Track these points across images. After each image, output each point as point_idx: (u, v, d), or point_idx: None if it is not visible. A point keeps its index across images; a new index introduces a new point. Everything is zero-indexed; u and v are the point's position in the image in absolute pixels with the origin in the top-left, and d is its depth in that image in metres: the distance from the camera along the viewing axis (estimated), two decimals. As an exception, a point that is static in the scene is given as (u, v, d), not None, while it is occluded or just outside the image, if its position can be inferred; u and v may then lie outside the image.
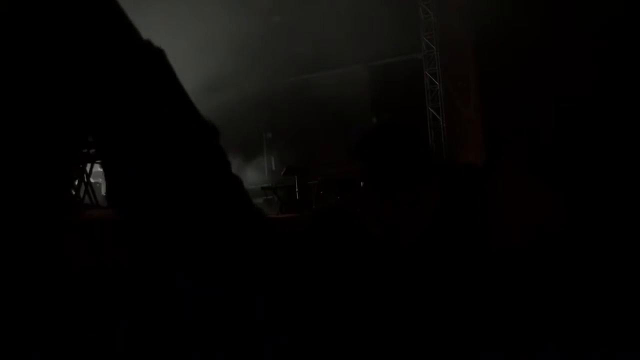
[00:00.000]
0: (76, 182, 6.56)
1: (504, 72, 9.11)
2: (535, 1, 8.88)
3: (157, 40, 0.90)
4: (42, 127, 0.86)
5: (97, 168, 7.98)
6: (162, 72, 0.90)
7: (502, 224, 1.58)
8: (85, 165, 6.61)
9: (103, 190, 8.57)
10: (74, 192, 6.58)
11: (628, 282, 1.46)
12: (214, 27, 10.12)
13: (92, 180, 7.19)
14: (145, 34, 0.88)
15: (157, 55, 0.90)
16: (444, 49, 11.14)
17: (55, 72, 0.85)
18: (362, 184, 1.82)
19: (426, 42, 11.37)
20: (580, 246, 1.53)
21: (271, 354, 1.04)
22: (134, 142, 0.88)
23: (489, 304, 1.47)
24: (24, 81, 0.84)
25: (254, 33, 10.72)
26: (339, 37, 10.74)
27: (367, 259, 1.48)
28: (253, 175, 12.67)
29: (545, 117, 8.21)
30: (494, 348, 1.40)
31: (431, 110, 11.34)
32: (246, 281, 0.99)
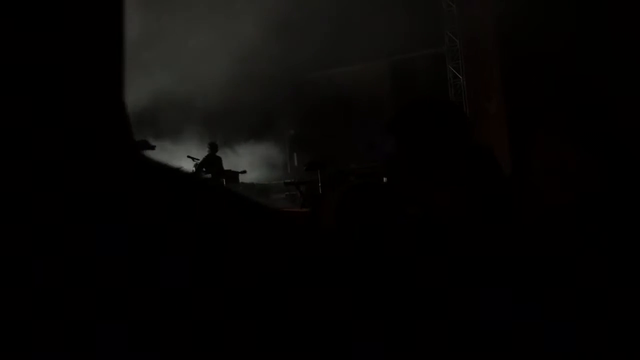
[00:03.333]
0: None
1: (529, 66, 8.98)
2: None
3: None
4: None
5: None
6: None
7: (540, 197, 1.54)
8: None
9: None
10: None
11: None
12: (236, 22, 10.16)
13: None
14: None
15: None
16: (467, 42, 11.01)
17: None
18: (394, 166, 1.77)
19: (449, 35, 11.25)
20: (620, 214, 1.49)
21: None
22: None
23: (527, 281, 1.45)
24: None
25: (275, 28, 10.73)
26: (361, 31, 10.70)
27: (403, 237, 1.45)
28: (276, 172, 12.72)
29: (572, 108, 8.07)
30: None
31: (454, 104, 11.24)
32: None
